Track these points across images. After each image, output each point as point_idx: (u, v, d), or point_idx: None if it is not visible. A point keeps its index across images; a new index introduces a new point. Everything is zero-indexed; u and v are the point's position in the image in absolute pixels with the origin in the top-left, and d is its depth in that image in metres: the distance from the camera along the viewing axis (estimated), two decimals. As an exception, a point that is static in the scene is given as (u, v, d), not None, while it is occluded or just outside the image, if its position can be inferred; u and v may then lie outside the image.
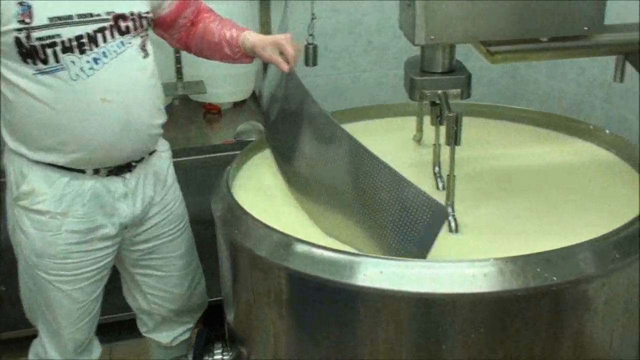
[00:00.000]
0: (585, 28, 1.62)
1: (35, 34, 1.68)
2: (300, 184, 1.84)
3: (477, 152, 2.01)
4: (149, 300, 2.17)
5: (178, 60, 2.87)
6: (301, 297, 1.53)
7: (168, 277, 2.13)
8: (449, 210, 1.64)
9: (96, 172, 1.87)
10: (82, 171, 1.86)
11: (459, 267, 1.39)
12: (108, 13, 1.77)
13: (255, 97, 3.19)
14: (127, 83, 1.82)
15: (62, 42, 1.71)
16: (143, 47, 1.87)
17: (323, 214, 1.71)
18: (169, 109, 3.08)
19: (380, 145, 2.17)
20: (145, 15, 1.87)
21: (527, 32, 1.62)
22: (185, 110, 3.12)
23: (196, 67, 2.94)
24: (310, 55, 2.93)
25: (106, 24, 1.77)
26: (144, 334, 2.31)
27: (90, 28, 1.74)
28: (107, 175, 1.89)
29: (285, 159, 1.92)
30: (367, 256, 1.45)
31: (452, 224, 1.63)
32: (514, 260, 1.39)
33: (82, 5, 1.74)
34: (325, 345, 1.53)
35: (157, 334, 2.28)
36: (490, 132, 2.17)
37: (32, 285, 1.97)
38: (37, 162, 1.84)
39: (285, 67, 1.90)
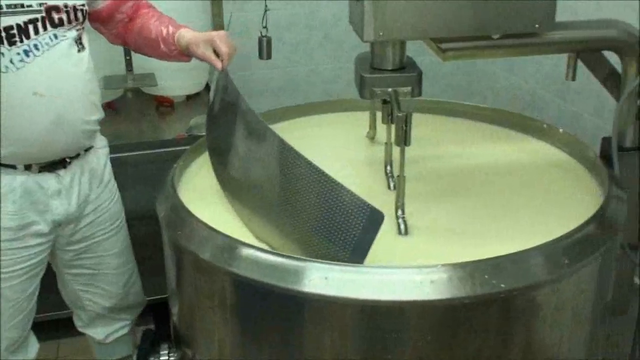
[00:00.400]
0: (537, 25, 1.59)
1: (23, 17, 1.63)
2: (233, 186, 1.77)
3: (429, 151, 1.98)
4: (82, 297, 2.13)
5: (128, 52, 2.79)
6: (245, 302, 1.48)
7: (102, 275, 2.09)
8: (399, 212, 1.60)
9: (27, 167, 1.81)
10: (13, 166, 1.80)
11: (405, 274, 1.35)
12: (40, 4, 1.71)
13: (208, 89, 3.12)
14: (60, 77, 1.76)
15: None
16: (78, 41, 1.81)
17: (253, 219, 1.65)
18: (121, 101, 3.01)
19: (332, 141, 2.15)
20: (81, 7, 1.81)
21: (478, 29, 1.59)
22: (138, 103, 3.04)
23: (147, 59, 2.85)
24: (264, 48, 2.87)
25: (38, 15, 1.71)
26: (79, 329, 2.27)
27: (20, 19, 1.68)
28: (40, 172, 1.83)
29: (220, 161, 1.86)
30: (313, 261, 1.39)
31: (402, 227, 1.58)
32: (462, 266, 1.35)
33: None
34: (270, 351, 1.48)
35: (91, 330, 2.24)
36: (444, 129, 2.14)
37: None
38: None
39: (218, 65, 1.83)
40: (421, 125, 2.14)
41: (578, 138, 1.92)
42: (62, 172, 1.87)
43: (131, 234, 2.20)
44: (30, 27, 1.69)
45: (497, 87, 3.25)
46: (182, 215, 1.62)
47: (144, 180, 2.33)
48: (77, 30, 1.81)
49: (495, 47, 1.67)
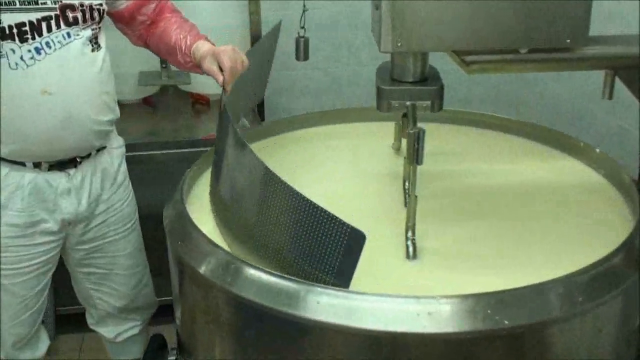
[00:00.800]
0: (568, 40, 1.48)
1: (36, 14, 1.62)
2: (219, 208, 1.69)
3: (453, 166, 1.89)
4: (93, 296, 2.13)
5: (101, 15, 2.75)
6: (239, 321, 1.43)
7: (113, 275, 2.08)
8: (409, 234, 1.51)
9: (37, 165, 1.80)
10: (22, 164, 1.79)
11: (402, 303, 1.26)
12: (55, 2, 1.68)
13: (247, 88, 3.07)
14: (70, 76, 1.73)
15: (2, 29, 1.63)
16: (93, 40, 1.79)
17: (235, 242, 1.57)
18: (158, 97, 3.00)
19: (357, 151, 2.07)
20: (97, 7, 1.77)
21: (505, 43, 1.49)
22: (175, 99, 3.03)
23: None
24: (302, 49, 2.81)
25: (52, 13, 1.68)
26: (90, 326, 2.27)
27: (34, 16, 1.66)
28: (49, 170, 1.82)
29: (215, 178, 1.79)
30: (307, 284, 1.32)
31: (410, 250, 1.50)
32: (464, 299, 1.26)
33: None
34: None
35: (102, 328, 2.23)
36: (471, 143, 2.04)
37: None
38: None
39: (219, 79, 1.78)
40: (448, 137, 2.07)
41: (614, 160, 1.80)
42: (72, 171, 1.85)
43: (153, 233, 2.17)
44: (44, 25, 1.67)
45: (544, 96, 3.10)
46: (185, 225, 1.57)
47: (169, 179, 2.31)
48: (93, 29, 1.78)
49: (523, 62, 1.56)
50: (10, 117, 1.70)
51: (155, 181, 2.29)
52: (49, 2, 1.68)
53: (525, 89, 3.33)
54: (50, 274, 1.98)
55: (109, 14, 1.87)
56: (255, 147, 2.00)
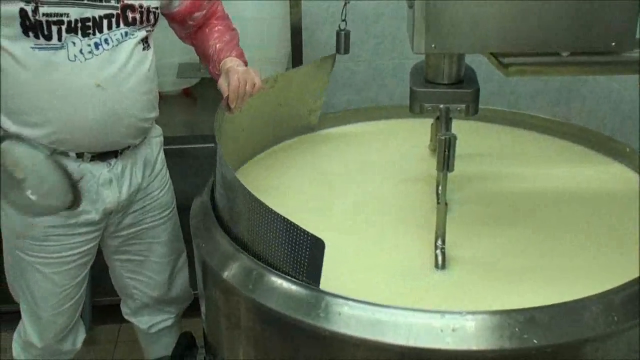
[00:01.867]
0: (613, 44, 1.40)
1: (44, 9, 1.62)
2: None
3: (490, 168, 1.83)
4: (129, 285, 2.14)
5: (156, 18, 2.74)
6: (260, 328, 1.40)
7: (148, 263, 2.09)
8: (439, 242, 1.46)
9: (79, 156, 1.81)
10: (66, 154, 1.80)
11: (426, 318, 1.22)
12: (118, 1, 1.71)
13: (286, 81, 3.04)
14: (121, 73, 1.76)
15: (69, 22, 1.65)
16: (145, 41, 1.82)
17: None
18: (197, 89, 2.98)
19: (391, 150, 2.02)
20: (154, 10, 1.81)
21: (545, 46, 1.42)
22: (214, 91, 3.00)
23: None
24: (342, 42, 2.76)
25: (114, 12, 1.71)
26: (125, 317, 2.28)
27: (97, 12, 1.69)
28: (91, 160, 1.82)
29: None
30: (329, 294, 1.29)
31: (439, 259, 1.45)
32: (490, 315, 1.21)
33: None
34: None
35: (137, 318, 2.25)
36: (510, 143, 1.97)
37: (15, 264, 1.94)
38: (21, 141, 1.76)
39: (224, 94, 1.80)
40: (484, 136, 2.00)
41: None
42: (113, 161, 1.87)
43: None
44: (105, 22, 1.71)
45: (597, 92, 2.99)
46: (210, 227, 1.56)
47: (208, 172, 2.30)
48: (147, 31, 1.81)
49: (564, 65, 1.49)
50: (60, 106, 1.72)
51: (193, 173, 2.28)
52: (113, 0, 1.71)
53: (575, 83, 3.22)
54: (89, 265, 1.99)
55: (162, 13, 1.89)
56: (285, 145, 1.99)
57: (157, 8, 1.82)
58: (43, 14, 1.62)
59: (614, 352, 1.26)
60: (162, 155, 2.05)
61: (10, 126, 1.76)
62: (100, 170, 1.85)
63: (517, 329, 1.20)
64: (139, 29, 1.78)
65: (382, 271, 1.47)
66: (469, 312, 1.21)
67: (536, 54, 1.46)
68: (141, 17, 1.78)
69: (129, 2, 1.74)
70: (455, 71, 1.52)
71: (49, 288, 1.93)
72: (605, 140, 1.89)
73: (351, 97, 3.25)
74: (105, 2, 1.70)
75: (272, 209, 1.37)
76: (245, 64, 1.93)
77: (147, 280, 2.13)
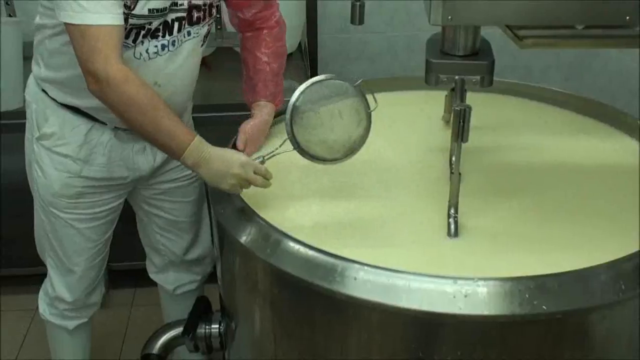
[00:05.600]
0: (627, 17, 1.42)
1: (133, 20, 1.64)
2: None
3: (502, 140, 1.85)
4: (159, 240, 2.17)
5: (218, 10, 2.75)
6: (277, 292, 1.44)
7: (176, 222, 2.12)
8: (452, 211, 1.49)
9: (117, 127, 1.85)
10: (104, 123, 1.84)
11: (439, 283, 1.26)
12: (187, 3, 1.71)
13: (301, 51, 3.05)
14: (180, 72, 1.79)
15: (150, 29, 1.68)
16: (205, 37, 1.83)
17: None
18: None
19: (405, 121, 2.04)
20: (217, 3, 1.81)
21: (560, 19, 1.43)
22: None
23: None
24: (357, 13, 2.77)
25: (184, 14, 1.72)
26: (151, 276, 2.30)
27: (170, 16, 1.70)
28: (126, 130, 1.85)
29: None
30: (345, 260, 1.33)
31: (452, 227, 1.48)
32: (502, 282, 1.25)
33: None
34: (299, 343, 1.45)
35: (163, 276, 2.27)
36: (524, 116, 1.99)
37: (46, 223, 1.98)
38: (62, 106, 1.82)
39: (240, 141, 1.82)
40: (498, 109, 2.02)
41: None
42: None
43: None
44: (176, 25, 1.71)
45: (609, 68, 3.00)
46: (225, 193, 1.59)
47: (224, 142, 2.32)
48: (209, 25, 1.82)
49: (578, 38, 1.51)
50: None
51: (210, 143, 2.31)
52: (185, 3, 1.70)
53: (586, 57, 3.23)
54: (115, 223, 2.04)
55: None
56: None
57: (216, 9, 1.82)
58: (131, 24, 1.63)
59: (621, 319, 1.30)
60: (191, 120, 2.09)
61: (57, 95, 1.80)
62: (135, 138, 1.87)
63: (527, 295, 1.23)
64: (202, 27, 1.79)
65: (397, 238, 1.50)
66: (480, 279, 1.25)
67: (551, 26, 1.48)
68: (204, 14, 1.77)
69: (196, 2, 1.73)
70: (471, 43, 1.54)
71: (82, 243, 1.98)
72: (616, 113, 1.91)
73: (363, 68, 3.27)
74: (180, 5, 1.69)
75: None
76: (278, 97, 1.95)
77: (175, 238, 2.16)
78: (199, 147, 1.61)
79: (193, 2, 1.72)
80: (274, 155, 1.64)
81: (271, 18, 1.95)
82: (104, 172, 1.88)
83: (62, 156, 1.85)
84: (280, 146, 1.64)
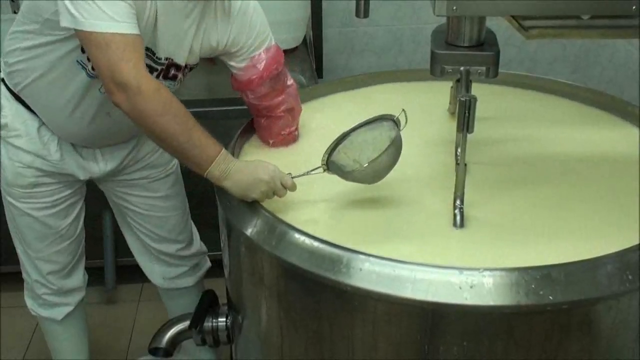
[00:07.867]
0: (634, 7, 1.41)
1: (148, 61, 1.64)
2: None
3: (509, 131, 1.84)
4: (138, 236, 2.18)
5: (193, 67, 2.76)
6: (283, 284, 1.44)
7: (149, 217, 2.12)
8: (457, 202, 1.49)
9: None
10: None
11: (444, 274, 1.25)
12: (166, 59, 1.72)
13: (306, 44, 3.05)
14: None
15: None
16: (178, 84, 1.82)
17: None
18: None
19: (410, 112, 2.03)
20: (194, 65, 1.82)
21: (566, 9, 1.43)
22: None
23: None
24: (362, 6, 2.76)
25: (160, 67, 1.73)
26: (142, 269, 2.31)
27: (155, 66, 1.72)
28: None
29: None
30: (350, 251, 1.33)
31: (458, 218, 1.48)
32: (507, 272, 1.24)
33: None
34: (306, 334, 1.44)
35: (150, 271, 2.28)
36: (534, 107, 1.98)
37: (7, 211, 1.99)
38: (18, 99, 1.82)
39: None
40: (504, 100, 2.02)
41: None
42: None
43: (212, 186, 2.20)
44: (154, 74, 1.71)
45: (615, 59, 2.99)
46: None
47: (226, 135, 2.32)
48: (185, 75, 1.82)
49: (584, 28, 1.50)
50: (62, 117, 1.79)
51: (213, 136, 2.31)
52: (163, 59, 1.70)
53: (595, 49, 3.22)
54: (81, 201, 2.03)
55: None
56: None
57: (196, 64, 1.82)
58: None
59: (628, 309, 1.29)
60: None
61: (14, 87, 1.81)
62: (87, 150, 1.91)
63: (533, 286, 1.23)
64: (176, 83, 1.78)
65: (402, 229, 1.50)
66: (486, 269, 1.24)
67: (557, 17, 1.47)
68: (182, 74, 1.77)
69: (176, 62, 1.73)
70: (476, 34, 1.53)
71: (43, 231, 1.97)
72: (624, 104, 1.90)
73: (369, 61, 3.27)
74: (157, 58, 1.69)
75: None
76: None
77: (150, 234, 2.15)
78: (226, 159, 1.55)
79: (172, 61, 1.72)
80: (301, 176, 1.59)
81: (279, 106, 1.86)
82: (58, 168, 1.89)
83: (15, 147, 1.85)
84: (311, 171, 1.60)
